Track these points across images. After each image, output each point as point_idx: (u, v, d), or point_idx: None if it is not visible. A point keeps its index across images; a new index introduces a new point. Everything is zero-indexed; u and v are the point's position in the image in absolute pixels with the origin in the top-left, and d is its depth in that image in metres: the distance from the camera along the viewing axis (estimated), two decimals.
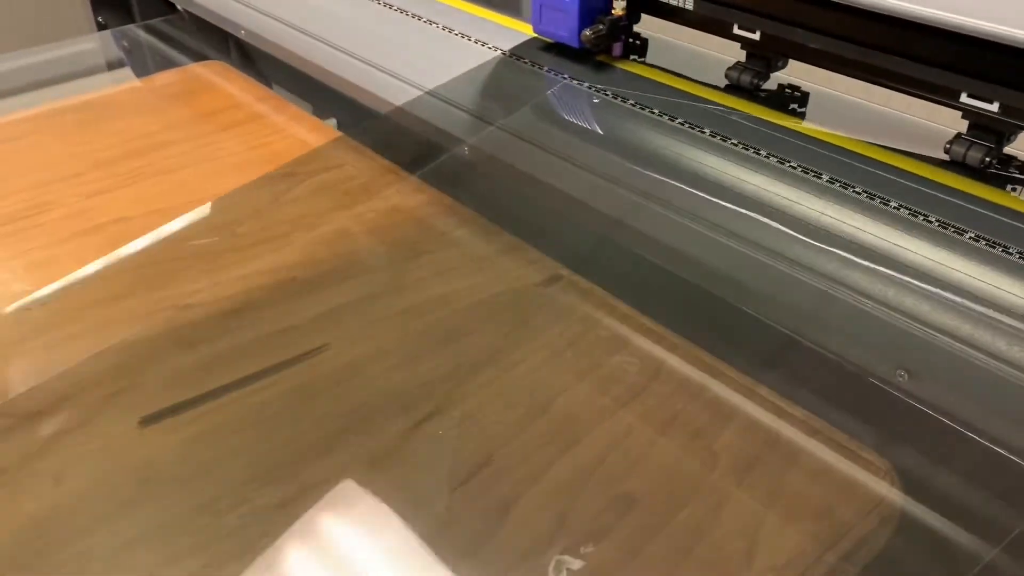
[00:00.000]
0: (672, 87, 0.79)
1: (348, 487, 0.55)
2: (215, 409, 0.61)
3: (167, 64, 1.24)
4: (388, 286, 0.75)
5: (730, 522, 0.53)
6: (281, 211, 0.84)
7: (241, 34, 1.19)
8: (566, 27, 0.77)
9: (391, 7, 0.99)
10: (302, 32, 1.06)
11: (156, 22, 1.38)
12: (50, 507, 0.54)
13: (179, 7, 1.35)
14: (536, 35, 0.84)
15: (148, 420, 0.60)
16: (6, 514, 0.54)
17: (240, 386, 0.63)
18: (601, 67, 0.82)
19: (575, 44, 0.78)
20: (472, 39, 0.89)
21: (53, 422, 0.60)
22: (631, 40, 0.83)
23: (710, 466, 0.58)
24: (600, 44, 0.78)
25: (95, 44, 1.40)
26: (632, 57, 0.84)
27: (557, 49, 0.84)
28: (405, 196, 0.88)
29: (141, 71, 1.25)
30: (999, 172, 0.64)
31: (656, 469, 0.58)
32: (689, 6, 0.74)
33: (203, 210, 0.84)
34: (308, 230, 0.82)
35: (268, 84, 1.20)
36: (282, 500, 0.54)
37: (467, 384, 0.64)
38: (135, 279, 0.74)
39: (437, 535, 0.52)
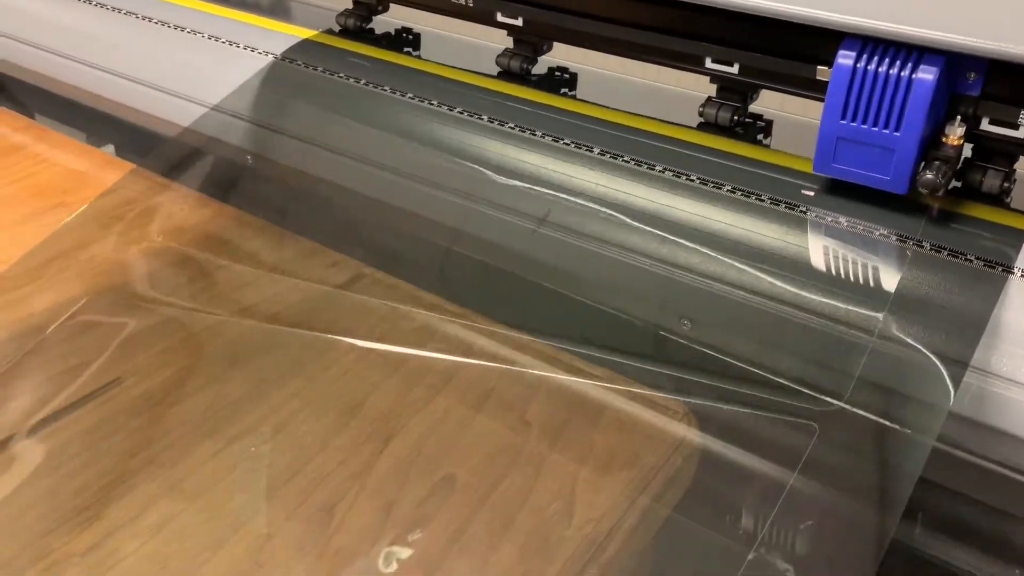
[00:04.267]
0: (449, 78, 0.81)
1: (159, 521, 0.53)
2: (4, 462, 0.56)
3: None
4: (178, 310, 0.72)
5: (547, 485, 0.56)
6: (53, 246, 0.78)
7: None
8: (891, 170, 0.58)
9: (150, 20, 0.94)
10: (56, 55, 0.99)
11: None
12: None
13: None
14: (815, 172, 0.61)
15: None
16: None
17: (31, 433, 0.59)
18: None
19: (902, 191, 0.59)
20: (241, 45, 0.87)
21: None
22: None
23: (524, 436, 0.60)
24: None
25: None
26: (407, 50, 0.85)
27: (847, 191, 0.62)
28: (191, 214, 0.84)
29: None
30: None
31: (474, 447, 0.59)
32: None
33: None
34: (85, 263, 0.77)
35: (29, 115, 1.11)
36: (88, 546, 0.51)
37: (274, 398, 0.63)
38: None
39: (263, 551, 0.51)
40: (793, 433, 0.59)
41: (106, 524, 0.52)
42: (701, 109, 0.70)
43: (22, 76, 1.08)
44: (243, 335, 0.69)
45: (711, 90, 0.71)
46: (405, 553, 0.51)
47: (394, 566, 0.51)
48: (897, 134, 0.57)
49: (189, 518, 0.53)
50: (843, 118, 0.58)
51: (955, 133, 0.58)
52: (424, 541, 0.52)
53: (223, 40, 0.88)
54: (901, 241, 0.58)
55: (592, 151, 0.69)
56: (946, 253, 0.56)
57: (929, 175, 0.57)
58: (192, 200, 0.85)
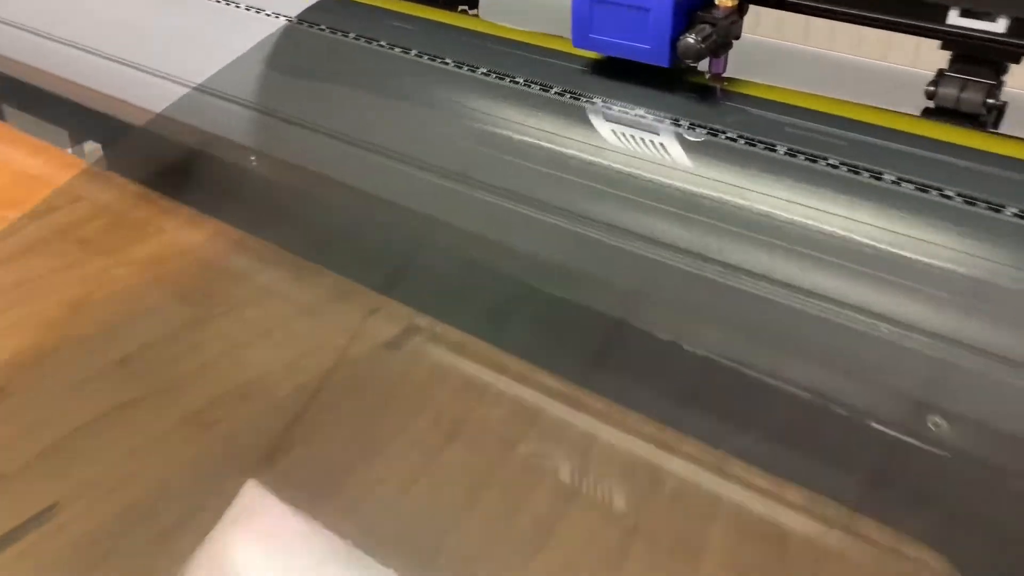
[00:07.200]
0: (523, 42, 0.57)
1: None
2: None
3: None
4: (159, 382, 0.49)
5: None
6: None
7: None
8: (649, 36, 0.46)
9: None
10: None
11: None
12: None
13: None
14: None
15: None
16: None
17: None
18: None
19: (664, 62, 0.47)
20: (242, 6, 0.64)
21: None
22: None
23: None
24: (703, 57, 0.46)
25: None
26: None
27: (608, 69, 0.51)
28: (178, 233, 0.62)
29: None
30: None
31: None
32: None
33: None
34: (28, 303, 0.55)
35: None
36: None
37: None
38: None
39: None
40: None
41: None
42: None
43: None
44: (251, 426, 0.46)
45: None
46: None
47: None
48: None
49: None
50: None
51: None
52: None
53: None
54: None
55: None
56: None
57: (690, 39, 0.44)
58: (182, 217, 0.62)
